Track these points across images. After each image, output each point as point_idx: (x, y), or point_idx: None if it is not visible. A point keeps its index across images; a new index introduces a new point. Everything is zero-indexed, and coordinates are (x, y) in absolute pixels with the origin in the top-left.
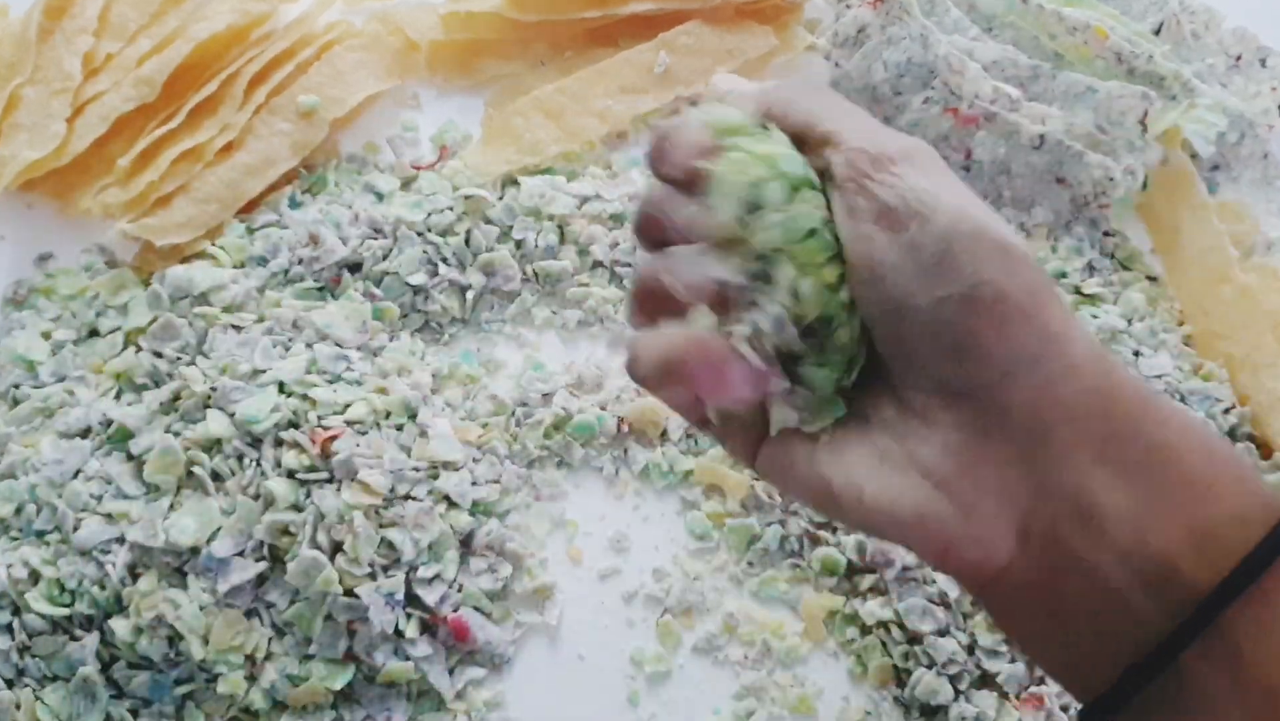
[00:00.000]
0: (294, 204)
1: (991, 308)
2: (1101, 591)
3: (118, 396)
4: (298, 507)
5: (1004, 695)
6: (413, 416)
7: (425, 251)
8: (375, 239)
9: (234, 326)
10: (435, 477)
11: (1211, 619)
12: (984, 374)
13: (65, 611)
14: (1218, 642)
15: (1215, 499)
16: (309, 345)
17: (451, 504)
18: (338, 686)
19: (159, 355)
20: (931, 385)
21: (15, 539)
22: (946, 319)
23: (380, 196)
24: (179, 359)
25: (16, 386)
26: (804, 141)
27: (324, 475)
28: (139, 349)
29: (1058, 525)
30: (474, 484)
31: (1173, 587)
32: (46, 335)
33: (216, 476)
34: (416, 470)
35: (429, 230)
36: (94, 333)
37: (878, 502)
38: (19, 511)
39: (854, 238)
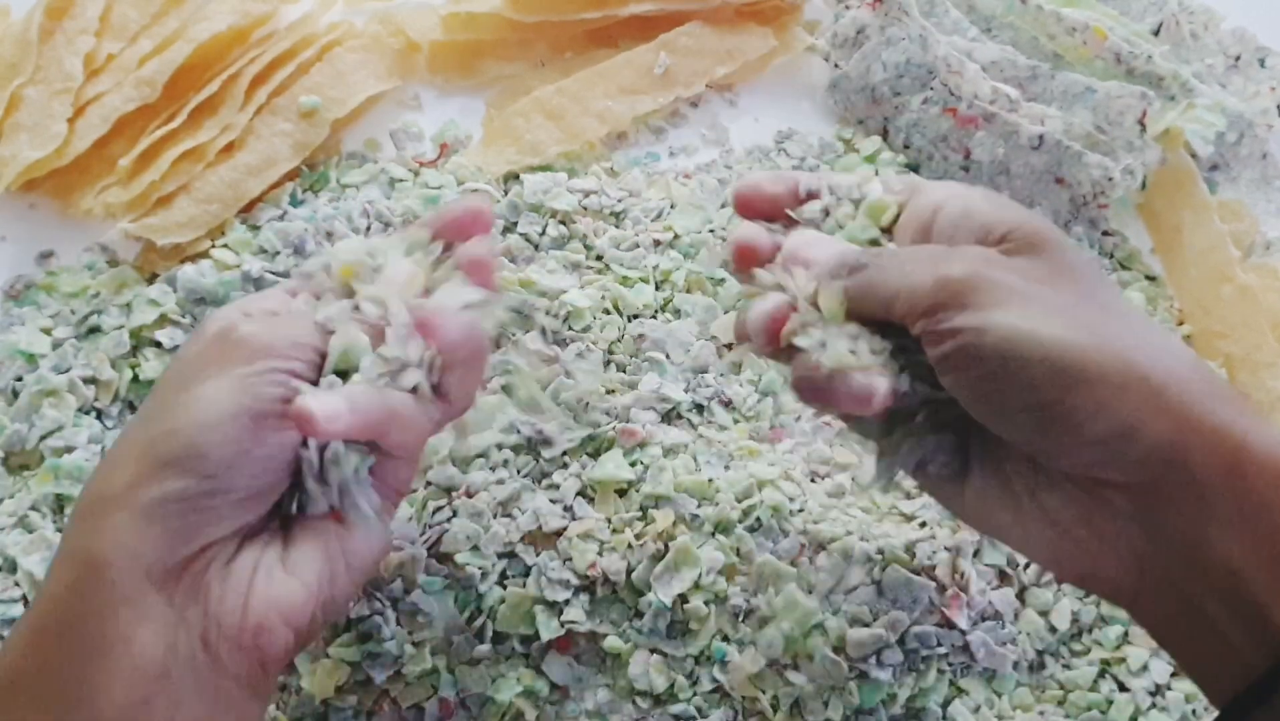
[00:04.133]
0: (295, 201)
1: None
2: (1209, 628)
3: None
4: None
5: None
6: None
7: None
8: (385, 232)
9: None
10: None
11: None
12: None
13: None
14: None
15: None
16: None
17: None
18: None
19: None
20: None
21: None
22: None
23: (388, 188)
24: None
25: (18, 379)
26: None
27: None
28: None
29: (1170, 569)
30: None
31: (1268, 633)
32: (47, 331)
33: None
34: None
35: None
36: (95, 330)
37: (1017, 546)
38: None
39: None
